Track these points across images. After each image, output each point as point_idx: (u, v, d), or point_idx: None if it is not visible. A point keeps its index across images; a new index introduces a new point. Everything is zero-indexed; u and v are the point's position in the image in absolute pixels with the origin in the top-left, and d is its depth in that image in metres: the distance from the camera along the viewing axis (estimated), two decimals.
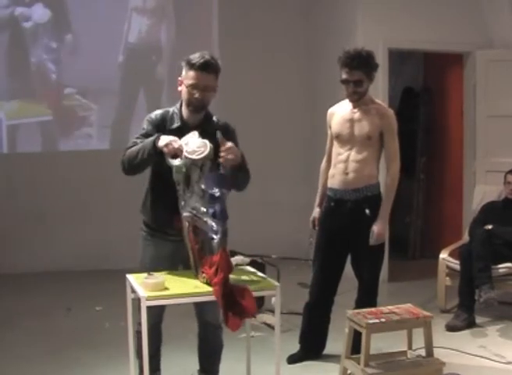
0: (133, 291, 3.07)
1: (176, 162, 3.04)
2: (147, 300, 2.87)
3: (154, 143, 3.08)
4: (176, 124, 3.28)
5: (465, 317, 4.91)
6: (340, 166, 4.11)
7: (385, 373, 3.53)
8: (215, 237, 2.94)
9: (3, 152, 6.68)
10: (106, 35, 6.64)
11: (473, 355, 4.34)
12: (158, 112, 3.35)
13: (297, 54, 7.15)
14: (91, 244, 6.61)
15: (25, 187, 6.60)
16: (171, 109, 3.35)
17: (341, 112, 4.18)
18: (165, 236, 3.32)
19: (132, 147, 3.20)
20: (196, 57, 3.21)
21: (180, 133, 3.21)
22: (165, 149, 3.04)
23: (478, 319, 5.02)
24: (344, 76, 4.03)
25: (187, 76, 3.23)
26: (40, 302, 5.55)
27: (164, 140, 3.07)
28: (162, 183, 3.24)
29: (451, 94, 6.97)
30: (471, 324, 4.92)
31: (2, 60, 6.54)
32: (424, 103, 7.31)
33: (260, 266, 4.64)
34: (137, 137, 3.25)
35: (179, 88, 3.30)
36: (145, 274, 3.05)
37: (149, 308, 2.94)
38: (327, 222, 4.21)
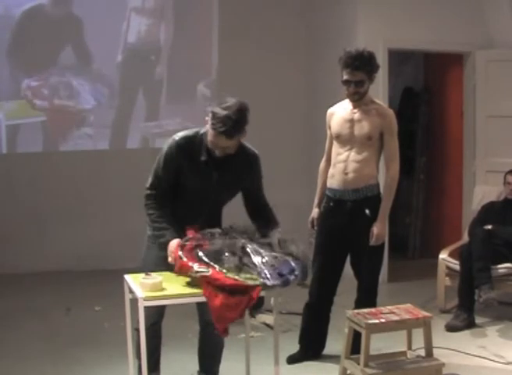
0: (131, 292, 3.07)
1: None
2: (144, 300, 2.87)
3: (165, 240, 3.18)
4: (203, 158, 3.23)
5: (465, 317, 4.91)
6: (340, 166, 4.11)
7: (385, 373, 3.53)
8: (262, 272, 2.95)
9: (2, 152, 6.67)
10: (105, 35, 6.63)
11: (473, 355, 4.33)
12: (186, 134, 3.27)
13: (297, 54, 7.15)
14: (91, 244, 6.61)
15: (25, 188, 6.59)
16: (199, 133, 3.27)
17: (341, 112, 4.18)
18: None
19: (157, 169, 3.26)
20: (219, 119, 3.07)
21: (207, 166, 3.22)
22: (169, 258, 3.13)
23: (478, 320, 5.01)
24: (346, 76, 4.03)
25: (210, 132, 3.13)
26: (40, 302, 5.54)
27: (170, 247, 3.14)
28: (186, 196, 3.28)
29: (451, 94, 6.97)
30: (470, 324, 4.92)
31: (2, 60, 6.54)
32: (424, 103, 7.30)
33: None
34: (164, 161, 3.24)
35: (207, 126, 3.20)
36: (143, 274, 3.06)
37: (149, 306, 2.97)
38: (327, 222, 4.21)
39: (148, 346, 3.02)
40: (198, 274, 2.94)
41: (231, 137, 3.11)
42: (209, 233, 3.10)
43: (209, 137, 3.16)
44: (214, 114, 3.10)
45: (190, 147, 3.23)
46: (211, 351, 3.65)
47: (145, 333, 2.97)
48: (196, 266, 2.95)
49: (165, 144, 3.29)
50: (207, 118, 3.17)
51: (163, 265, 3.24)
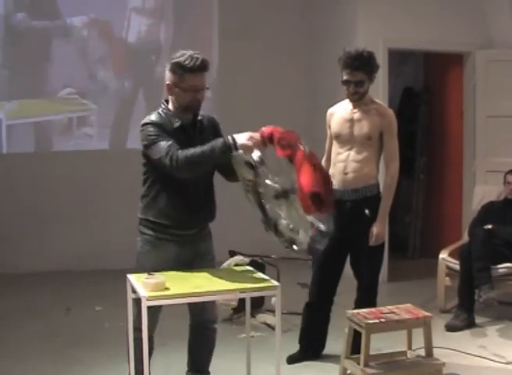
0: (134, 291, 3.07)
1: (256, 154, 3.09)
2: (147, 300, 2.87)
3: (228, 144, 3.09)
4: (177, 123, 3.27)
5: (465, 317, 4.91)
6: (340, 166, 4.11)
7: (385, 373, 3.53)
8: None
9: (3, 152, 6.68)
10: (105, 35, 6.64)
11: (473, 355, 4.33)
12: (153, 116, 3.28)
13: (297, 54, 7.15)
14: (91, 244, 6.61)
15: (25, 188, 6.59)
16: (161, 113, 3.30)
17: (341, 112, 4.18)
18: (174, 237, 3.32)
19: (170, 149, 3.13)
20: (187, 59, 3.16)
21: (183, 131, 3.26)
22: (249, 143, 3.09)
23: (478, 319, 5.01)
24: (345, 77, 4.03)
25: (183, 80, 3.19)
26: (40, 302, 5.55)
27: (242, 137, 3.10)
28: (178, 181, 3.22)
29: (451, 94, 6.97)
30: (470, 324, 4.92)
31: (2, 60, 6.54)
32: (424, 103, 7.31)
33: (260, 266, 4.64)
34: (163, 140, 3.16)
35: (169, 93, 3.25)
36: (145, 274, 3.06)
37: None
38: None
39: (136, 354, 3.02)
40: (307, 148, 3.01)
41: (207, 68, 3.20)
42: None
43: (189, 83, 3.18)
44: (178, 63, 3.18)
45: (162, 123, 3.25)
46: (208, 349, 3.59)
47: (134, 341, 3.00)
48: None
49: (142, 132, 3.26)
50: (168, 82, 3.23)
51: (165, 267, 3.22)
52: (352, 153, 4.08)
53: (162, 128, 3.22)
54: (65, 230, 6.63)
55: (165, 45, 6.96)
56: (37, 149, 6.81)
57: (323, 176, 3.06)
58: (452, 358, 4.16)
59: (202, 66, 3.18)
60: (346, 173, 4.08)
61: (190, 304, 3.35)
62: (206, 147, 3.11)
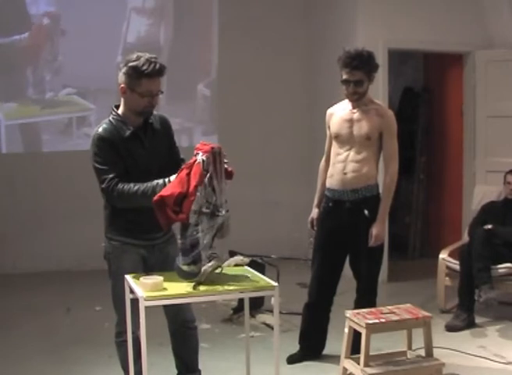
0: (132, 292, 3.06)
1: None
2: (145, 300, 2.86)
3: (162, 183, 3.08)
4: (128, 131, 3.22)
5: (465, 317, 4.91)
6: (339, 166, 4.10)
7: (385, 373, 3.53)
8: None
9: (2, 152, 6.68)
10: (105, 35, 6.64)
11: (473, 355, 4.33)
12: (105, 128, 3.22)
13: (297, 54, 7.16)
14: (91, 244, 6.56)
15: (25, 188, 6.59)
16: (112, 121, 3.25)
17: (340, 112, 4.18)
18: (140, 242, 3.37)
19: (111, 179, 3.16)
20: (145, 64, 3.10)
21: (135, 138, 3.23)
22: None
23: (478, 319, 5.01)
24: (345, 76, 4.03)
25: (140, 85, 3.14)
26: (40, 302, 5.54)
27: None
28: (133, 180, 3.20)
29: (451, 94, 6.97)
30: (470, 324, 4.92)
31: (1, 60, 6.54)
32: (424, 103, 7.31)
33: (260, 266, 4.64)
34: (107, 170, 3.16)
35: (123, 96, 3.21)
36: (142, 274, 3.06)
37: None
38: (326, 222, 4.21)
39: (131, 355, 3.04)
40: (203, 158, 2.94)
41: (164, 73, 3.15)
42: None
43: (146, 88, 3.14)
44: (135, 67, 3.12)
45: (113, 134, 3.21)
46: (194, 348, 3.58)
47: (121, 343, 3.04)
48: None
49: (91, 147, 3.23)
50: (122, 85, 3.17)
51: (138, 269, 3.26)
52: (351, 153, 4.08)
53: (112, 144, 3.18)
54: (65, 230, 6.62)
55: (165, 45, 6.96)
56: (37, 149, 6.80)
57: (187, 186, 2.92)
58: (452, 359, 4.16)
59: (159, 71, 3.14)
60: (345, 173, 4.07)
61: (165, 306, 3.30)
62: (144, 187, 3.09)
